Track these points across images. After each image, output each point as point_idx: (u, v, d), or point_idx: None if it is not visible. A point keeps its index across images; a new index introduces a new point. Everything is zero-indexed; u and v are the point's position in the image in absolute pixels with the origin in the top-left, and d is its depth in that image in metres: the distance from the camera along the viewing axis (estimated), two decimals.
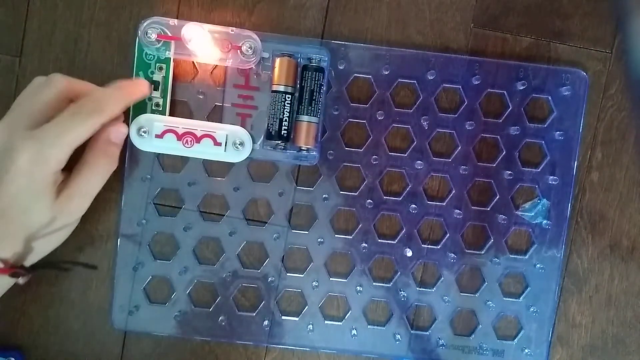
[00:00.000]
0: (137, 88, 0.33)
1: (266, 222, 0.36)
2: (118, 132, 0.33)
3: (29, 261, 0.32)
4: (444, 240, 0.36)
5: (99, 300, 0.36)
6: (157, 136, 0.34)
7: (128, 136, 0.34)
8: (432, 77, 0.35)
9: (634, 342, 0.37)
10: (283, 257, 0.36)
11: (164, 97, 0.35)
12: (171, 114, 0.35)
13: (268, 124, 0.34)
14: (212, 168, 0.36)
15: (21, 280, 0.31)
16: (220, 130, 0.34)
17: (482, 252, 0.36)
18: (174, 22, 0.34)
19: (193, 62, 0.35)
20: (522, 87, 0.35)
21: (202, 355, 0.36)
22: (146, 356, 0.36)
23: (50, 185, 0.30)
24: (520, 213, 0.36)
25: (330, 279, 0.36)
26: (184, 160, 0.36)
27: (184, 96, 0.35)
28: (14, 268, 0.31)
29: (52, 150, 0.29)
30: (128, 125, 0.34)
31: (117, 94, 0.32)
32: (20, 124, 0.30)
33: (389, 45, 0.36)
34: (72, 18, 0.36)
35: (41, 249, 0.32)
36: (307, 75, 0.34)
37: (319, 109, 0.34)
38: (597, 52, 0.36)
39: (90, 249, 0.36)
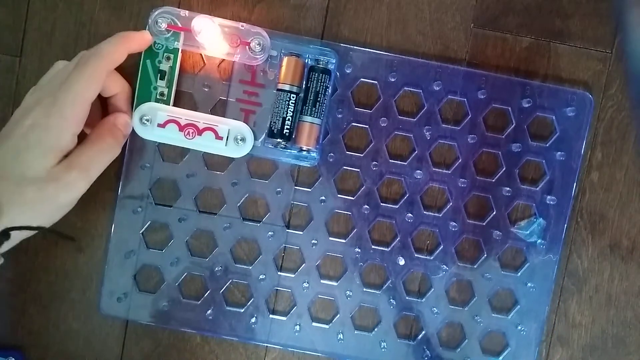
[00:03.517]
0: (137, 36, 0.33)
1: (262, 220, 0.36)
2: (124, 119, 0.34)
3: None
4: (437, 252, 0.36)
5: (99, 300, 0.36)
6: (159, 125, 0.34)
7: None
8: (438, 88, 0.35)
9: (634, 342, 0.37)
10: (276, 255, 0.36)
11: (169, 87, 0.35)
12: (175, 105, 0.35)
13: (271, 122, 0.34)
14: (211, 161, 0.36)
15: None
16: (223, 124, 0.34)
17: (475, 266, 0.36)
18: (184, 13, 0.34)
19: (201, 54, 0.35)
20: (527, 105, 0.35)
21: (202, 356, 0.36)
22: (146, 356, 0.36)
23: (60, 148, 0.30)
24: (515, 230, 0.36)
25: (321, 281, 0.36)
26: (184, 151, 0.36)
27: (189, 87, 0.35)
28: None
29: (65, 104, 0.30)
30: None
31: (114, 39, 0.32)
32: (50, 89, 0.31)
33: (389, 45, 0.36)
34: (72, 18, 0.36)
35: (23, 219, 0.30)
36: (313, 76, 0.34)
37: (322, 111, 0.34)
38: (597, 52, 0.36)
39: (90, 249, 0.36)
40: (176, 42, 0.34)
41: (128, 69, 0.35)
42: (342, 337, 0.36)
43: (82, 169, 0.31)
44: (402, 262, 0.36)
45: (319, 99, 0.34)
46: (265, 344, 0.36)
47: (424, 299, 0.36)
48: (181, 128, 0.34)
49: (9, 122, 0.31)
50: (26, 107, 0.31)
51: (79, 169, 0.31)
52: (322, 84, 0.34)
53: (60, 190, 0.31)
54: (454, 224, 0.36)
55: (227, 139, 0.34)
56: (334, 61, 0.34)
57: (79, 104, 0.30)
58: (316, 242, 0.36)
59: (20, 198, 0.29)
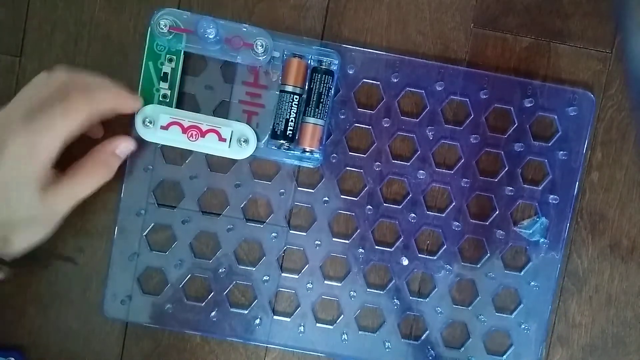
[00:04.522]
0: (129, 101, 0.33)
1: (265, 221, 0.36)
2: (126, 147, 0.34)
3: (8, 257, 0.31)
4: (440, 252, 0.36)
5: (99, 300, 0.36)
6: (162, 127, 0.34)
7: (133, 125, 0.34)
8: (440, 88, 0.36)
9: (634, 342, 0.37)
10: (279, 256, 0.36)
11: (172, 88, 0.34)
12: (178, 106, 0.35)
13: (274, 123, 0.34)
14: (214, 163, 0.36)
15: (0, 275, 0.31)
16: (226, 126, 0.34)
17: (478, 266, 0.36)
18: (187, 14, 0.34)
19: (203, 55, 0.35)
20: (529, 105, 0.36)
21: (202, 356, 0.36)
22: (146, 356, 0.36)
23: (40, 178, 0.30)
24: (518, 230, 0.36)
25: (325, 282, 0.36)
26: (187, 153, 0.36)
27: (191, 89, 0.35)
28: None
29: (43, 139, 0.29)
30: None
31: (109, 91, 0.32)
32: (18, 115, 0.29)
33: (389, 45, 0.36)
34: (72, 18, 0.36)
35: (20, 244, 0.31)
36: (316, 77, 0.34)
37: (325, 112, 0.34)
38: (597, 52, 0.36)
39: (90, 250, 0.36)
40: (179, 44, 0.34)
41: (131, 71, 0.35)
42: (346, 338, 0.36)
43: (69, 196, 0.32)
44: (405, 262, 0.36)
45: (321, 100, 0.34)
46: (269, 345, 0.36)
47: (427, 299, 0.36)
48: (184, 130, 0.34)
49: None
50: (2, 136, 0.29)
51: (66, 196, 0.31)
52: (324, 85, 0.34)
53: (48, 216, 0.31)
54: (457, 223, 0.36)
55: (230, 141, 0.34)
56: (336, 62, 0.35)
57: (57, 141, 0.29)
58: (319, 242, 0.36)
59: (11, 229, 0.30)
